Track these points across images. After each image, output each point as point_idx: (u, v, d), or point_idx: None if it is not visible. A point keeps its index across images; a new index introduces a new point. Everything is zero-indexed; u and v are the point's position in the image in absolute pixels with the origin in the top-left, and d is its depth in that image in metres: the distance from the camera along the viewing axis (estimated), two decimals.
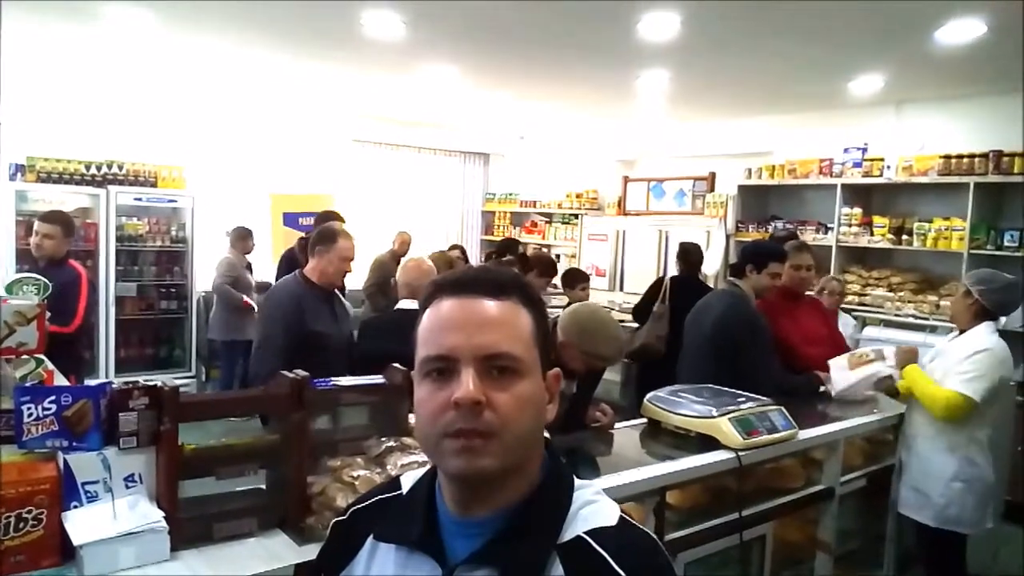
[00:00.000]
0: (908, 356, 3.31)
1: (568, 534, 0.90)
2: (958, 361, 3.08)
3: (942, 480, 3.10)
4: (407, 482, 1.05)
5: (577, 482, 0.98)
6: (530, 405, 0.92)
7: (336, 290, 3.59)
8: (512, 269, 4.64)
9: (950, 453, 3.10)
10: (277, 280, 4.76)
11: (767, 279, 3.50)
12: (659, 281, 5.78)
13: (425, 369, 0.92)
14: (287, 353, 3.14)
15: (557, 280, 6.41)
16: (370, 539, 1.01)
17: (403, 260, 3.63)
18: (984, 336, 3.11)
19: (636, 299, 7.33)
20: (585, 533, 0.90)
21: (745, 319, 3.40)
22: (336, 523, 1.09)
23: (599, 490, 0.98)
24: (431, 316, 0.94)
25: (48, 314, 3.50)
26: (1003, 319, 5.05)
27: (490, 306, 0.93)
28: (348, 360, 3.51)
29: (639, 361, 5.67)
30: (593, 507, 0.94)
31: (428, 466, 1.06)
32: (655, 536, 0.95)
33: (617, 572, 0.85)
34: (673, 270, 7.32)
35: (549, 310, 1.22)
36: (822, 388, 3.54)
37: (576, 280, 5.86)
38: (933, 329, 4.16)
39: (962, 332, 3.22)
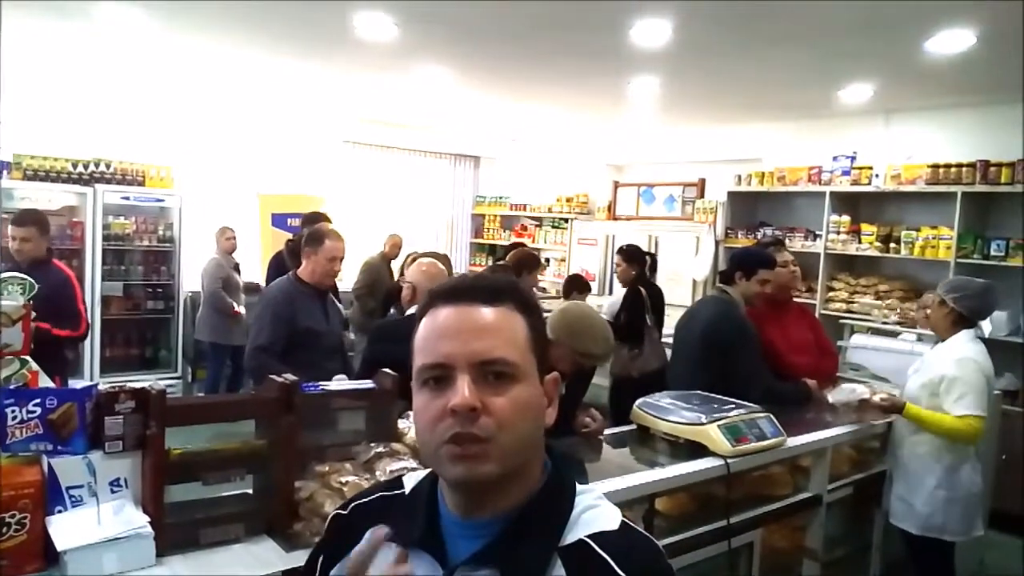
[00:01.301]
0: (891, 408, 3.23)
1: (570, 537, 0.91)
2: (946, 381, 3.06)
3: (925, 489, 3.10)
4: (409, 482, 1.05)
5: (579, 487, 0.98)
6: (527, 409, 0.92)
7: (329, 290, 3.63)
8: (507, 276, 4.63)
9: (933, 462, 3.10)
10: (267, 282, 4.78)
11: (756, 286, 3.51)
12: (637, 292, 5.47)
13: (422, 378, 0.93)
14: (279, 349, 3.21)
15: (547, 285, 6.40)
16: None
17: (417, 261, 3.59)
18: (963, 345, 3.12)
19: None
20: (587, 536, 0.90)
21: (735, 325, 3.41)
22: (336, 516, 1.09)
23: (600, 495, 0.99)
24: (427, 324, 0.95)
25: (34, 316, 3.51)
26: (987, 327, 5.12)
27: (485, 313, 0.93)
28: (341, 358, 3.56)
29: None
30: (595, 511, 0.95)
31: (417, 470, 1.06)
32: (656, 542, 0.95)
33: (619, 575, 0.86)
34: (666, 277, 7.37)
35: None
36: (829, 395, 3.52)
37: (580, 288, 5.78)
38: (920, 337, 4.18)
39: (942, 341, 3.23)
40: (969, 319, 3.16)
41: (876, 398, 3.22)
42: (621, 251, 5.72)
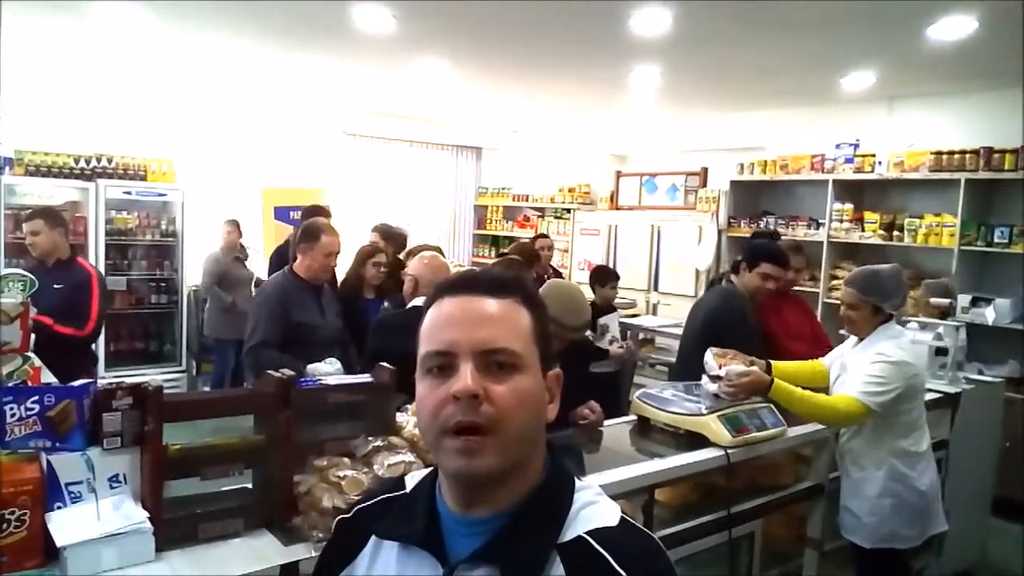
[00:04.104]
0: (754, 386, 2.72)
1: (569, 534, 0.91)
2: (863, 367, 2.78)
3: (868, 500, 2.83)
4: (411, 481, 1.06)
5: (578, 482, 0.98)
6: (529, 400, 0.92)
7: (326, 284, 3.65)
8: (515, 271, 4.63)
9: (874, 469, 2.83)
10: (269, 275, 4.79)
11: (757, 279, 3.50)
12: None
13: (426, 365, 0.94)
14: (274, 344, 3.23)
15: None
16: (373, 538, 1.01)
17: (419, 255, 3.59)
18: (883, 342, 2.79)
19: (629, 294, 7.36)
20: (586, 533, 0.90)
21: (735, 318, 3.41)
22: (340, 520, 1.10)
23: (599, 490, 0.99)
24: (432, 315, 0.97)
25: (43, 311, 3.51)
26: (991, 314, 5.08)
27: (490, 303, 0.95)
28: (341, 350, 3.57)
29: None
30: (594, 507, 0.94)
31: (415, 464, 1.06)
32: (656, 537, 0.95)
33: (618, 572, 0.86)
34: (669, 268, 7.37)
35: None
36: None
37: (605, 278, 5.64)
38: (923, 326, 4.16)
39: (861, 340, 2.91)
40: (885, 313, 2.85)
41: (726, 375, 2.72)
42: (377, 229, 5.52)
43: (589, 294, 5.62)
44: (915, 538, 2.86)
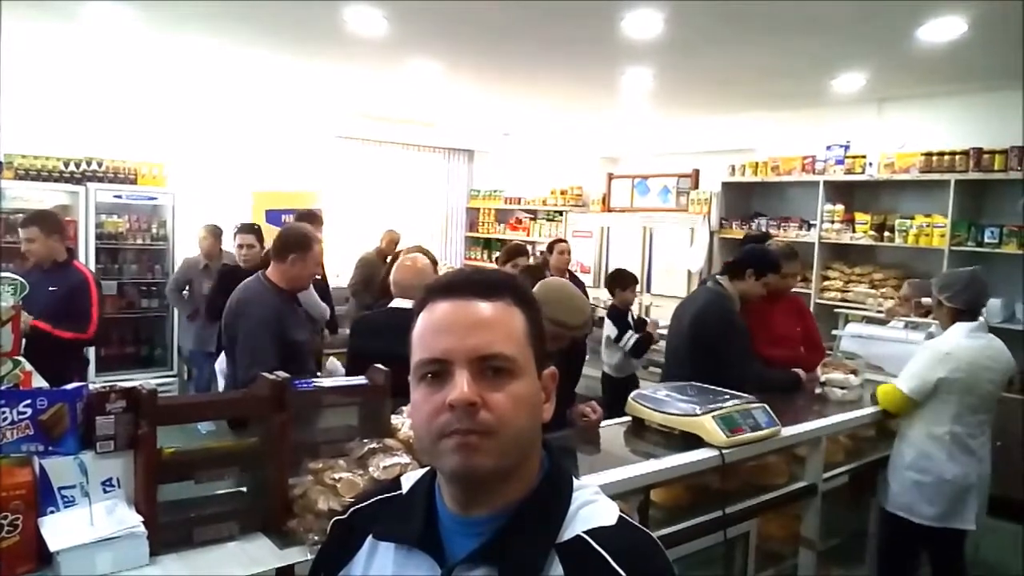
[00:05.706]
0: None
1: (567, 533, 0.90)
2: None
3: (898, 468, 3.23)
4: (407, 482, 1.05)
5: (576, 482, 0.98)
6: (525, 404, 0.92)
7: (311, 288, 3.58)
8: (505, 270, 4.59)
9: (908, 446, 3.23)
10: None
11: (760, 287, 3.55)
12: None
13: (420, 373, 0.93)
14: (276, 370, 3.10)
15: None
16: (370, 538, 1.01)
17: (400, 258, 3.54)
18: (946, 337, 3.20)
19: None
20: (584, 532, 0.90)
21: (722, 319, 3.42)
22: (336, 522, 1.09)
23: (598, 489, 0.98)
24: (424, 320, 0.95)
25: (42, 317, 3.48)
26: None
27: (482, 307, 0.93)
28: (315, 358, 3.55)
29: None
30: (592, 507, 0.94)
31: (411, 465, 1.05)
32: (654, 536, 0.94)
33: (617, 572, 0.86)
34: (661, 270, 7.38)
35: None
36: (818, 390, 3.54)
37: (625, 282, 5.51)
38: (914, 326, 4.18)
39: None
40: (964, 313, 3.20)
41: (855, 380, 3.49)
42: (251, 229, 5.35)
43: (607, 297, 5.66)
44: (932, 518, 3.14)
